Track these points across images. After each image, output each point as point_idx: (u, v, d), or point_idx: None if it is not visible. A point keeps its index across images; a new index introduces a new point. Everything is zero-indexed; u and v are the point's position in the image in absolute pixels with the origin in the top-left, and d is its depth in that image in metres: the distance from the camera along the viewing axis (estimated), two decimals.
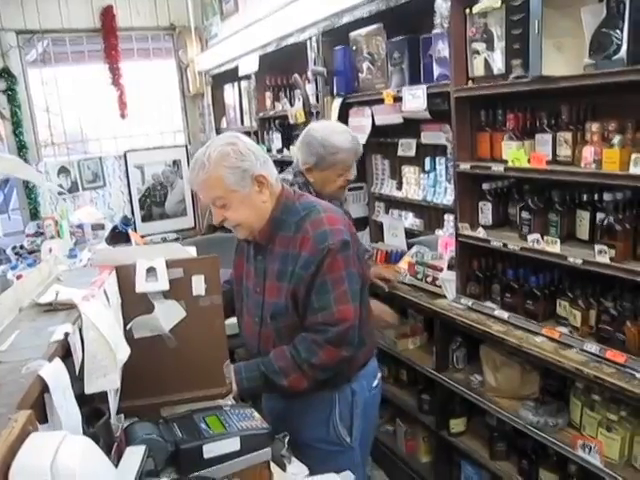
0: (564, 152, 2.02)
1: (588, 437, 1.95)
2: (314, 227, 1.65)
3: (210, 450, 1.27)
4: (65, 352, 1.06)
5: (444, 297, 2.58)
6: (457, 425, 2.59)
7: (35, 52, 5.29)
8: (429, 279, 2.70)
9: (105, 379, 1.17)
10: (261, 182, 1.66)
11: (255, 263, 1.78)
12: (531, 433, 2.13)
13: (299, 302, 1.67)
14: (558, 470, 2.14)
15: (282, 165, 4.34)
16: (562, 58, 1.92)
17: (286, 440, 1.49)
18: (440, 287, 2.61)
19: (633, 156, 1.70)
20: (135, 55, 5.61)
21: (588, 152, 1.87)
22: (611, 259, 1.82)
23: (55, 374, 0.89)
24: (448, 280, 2.55)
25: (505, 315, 2.26)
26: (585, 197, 2.05)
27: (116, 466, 1.10)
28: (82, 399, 1.15)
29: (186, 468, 1.26)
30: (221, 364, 1.54)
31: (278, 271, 1.70)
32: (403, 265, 2.93)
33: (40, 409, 0.93)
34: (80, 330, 1.13)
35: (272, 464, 1.40)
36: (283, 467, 1.46)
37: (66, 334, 1.04)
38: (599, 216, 1.95)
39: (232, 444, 1.29)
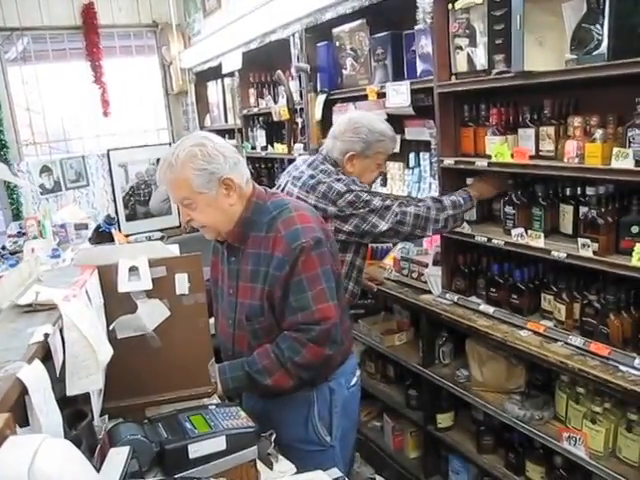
0: (547, 147, 2.03)
1: (573, 429, 1.97)
2: (286, 226, 1.64)
3: (196, 450, 1.26)
4: (46, 353, 1.05)
5: (430, 293, 2.58)
6: (444, 420, 2.60)
7: (15, 50, 5.22)
8: (414, 275, 2.71)
9: (88, 380, 1.16)
10: (229, 185, 1.64)
11: (228, 265, 1.76)
12: (517, 426, 2.14)
13: (275, 303, 1.65)
14: (544, 462, 2.16)
15: (266, 162, 4.34)
16: (544, 53, 1.92)
17: (272, 438, 1.48)
18: (426, 283, 2.61)
19: (615, 150, 1.71)
20: (117, 52, 5.56)
21: (571, 146, 1.88)
22: (594, 252, 1.83)
23: (34, 376, 0.88)
24: (433, 275, 2.56)
25: (490, 310, 2.27)
26: (568, 191, 2.06)
27: (100, 468, 1.09)
28: (65, 401, 1.14)
29: (172, 468, 1.25)
30: (206, 363, 1.53)
31: (251, 272, 1.68)
32: (388, 261, 2.93)
33: (21, 412, 0.91)
34: (61, 331, 1.11)
35: (259, 463, 1.39)
36: (270, 465, 1.45)
37: (46, 335, 1.03)
38: (582, 210, 1.96)
39: (218, 443, 1.28)
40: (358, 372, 1.94)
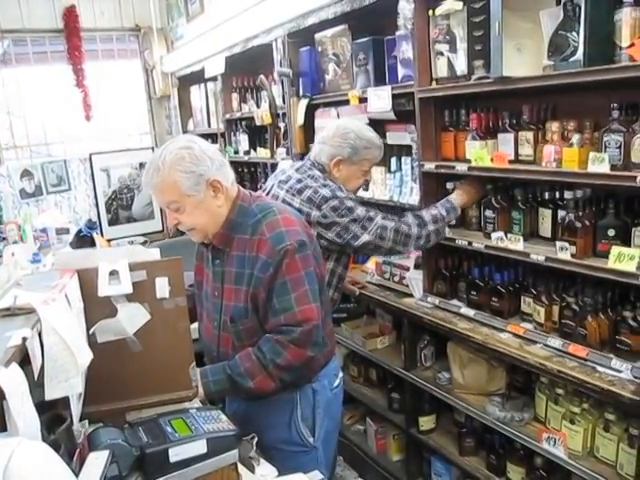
0: (526, 151, 2.06)
1: (553, 430, 1.99)
2: (270, 229, 1.65)
3: (176, 453, 1.26)
4: (24, 357, 1.04)
5: (411, 296, 2.60)
6: (426, 423, 2.62)
7: None
8: (396, 278, 2.72)
9: (67, 384, 1.15)
10: (216, 187, 1.65)
11: (213, 267, 1.77)
12: (498, 428, 2.16)
13: (259, 305, 1.66)
14: (525, 463, 2.18)
15: (249, 167, 4.34)
16: (522, 59, 1.96)
17: (254, 442, 1.49)
18: (407, 286, 2.63)
19: (591, 155, 1.75)
20: (99, 56, 5.51)
21: (549, 151, 1.91)
22: (572, 255, 1.86)
23: (12, 380, 0.87)
24: (415, 279, 2.58)
25: (471, 313, 2.29)
26: (547, 195, 2.10)
27: (78, 473, 1.08)
28: (45, 405, 1.13)
29: (152, 473, 1.25)
30: (187, 367, 1.53)
31: (236, 274, 1.69)
32: (370, 265, 2.94)
33: None
34: (40, 335, 1.11)
35: (240, 466, 1.39)
36: (251, 469, 1.45)
37: (24, 339, 1.02)
38: (560, 214, 2.00)
39: (199, 447, 1.28)
40: (340, 374, 1.96)
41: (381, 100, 2.58)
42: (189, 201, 1.63)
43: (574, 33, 1.74)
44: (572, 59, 1.75)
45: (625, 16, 1.64)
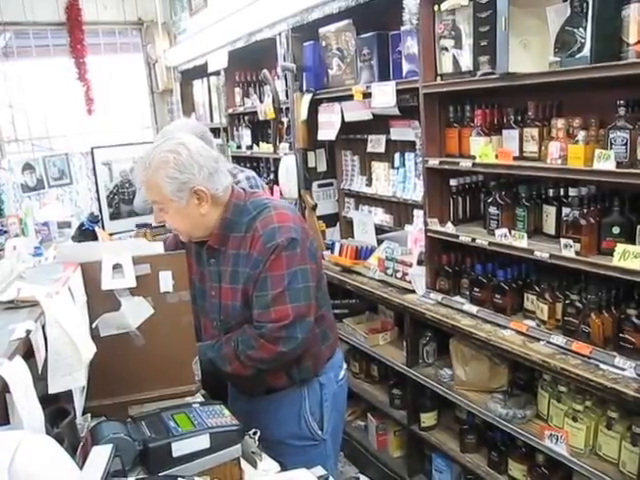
0: (531, 148, 2.05)
1: (555, 428, 1.99)
2: (264, 225, 1.64)
3: (179, 448, 1.25)
4: (28, 350, 1.03)
5: (414, 292, 2.59)
6: (428, 419, 2.61)
7: None
8: (399, 274, 2.71)
9: (70, 377, 1.15)
10: (201, 196, 1.61)
11: (209, 267, 1.75)
12: (500, 425, 2.16)
13: (249, 301, 1.67)
14: (526, 461, 2.18)
15: (252, 162, 4.34)
16: (528, 55, 1.95)
17: (256, 437, 1.48)
18: (410, 282, 2.62)
19: (597, 152, 1.74)
20: (102, 50, 5.50)
21: (554, 148, 1.90)
22: (576, 253, 1.85)
23: (15, 373, 0.87)
24: (418, 275, 2.57)
25: (474, 309, 2.29)
26: (551, 192, 2.09)
27: (82, 467, 1.08)
28: (48, 399, 1.13)
29: (155, 467, 1.24)
30: (190, 361, 1.52)
31: (231, 273, 1.69)
32: (373, 261, 2.93)
33: (1, 410, 0.90)
34: (43, 328, 1.10)
35: (243, 461, 1.39)
36: (254, 464, 1.45)
37: (28, 332, 1.01)
38: (565, 211, 1.99)
39: (201, 441, 1.27)
40: (345, 366, 1.97)
41: (385, 95, 2.57)
42: (171, 205, 1.61)
43: (581, 29, 1.72)
44: (579, 55, 1.74)
45: (633, 12, 1.63)
